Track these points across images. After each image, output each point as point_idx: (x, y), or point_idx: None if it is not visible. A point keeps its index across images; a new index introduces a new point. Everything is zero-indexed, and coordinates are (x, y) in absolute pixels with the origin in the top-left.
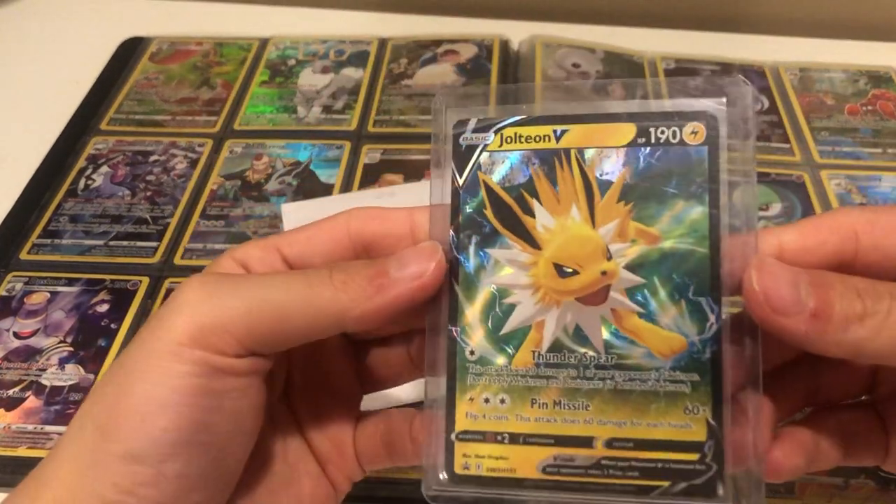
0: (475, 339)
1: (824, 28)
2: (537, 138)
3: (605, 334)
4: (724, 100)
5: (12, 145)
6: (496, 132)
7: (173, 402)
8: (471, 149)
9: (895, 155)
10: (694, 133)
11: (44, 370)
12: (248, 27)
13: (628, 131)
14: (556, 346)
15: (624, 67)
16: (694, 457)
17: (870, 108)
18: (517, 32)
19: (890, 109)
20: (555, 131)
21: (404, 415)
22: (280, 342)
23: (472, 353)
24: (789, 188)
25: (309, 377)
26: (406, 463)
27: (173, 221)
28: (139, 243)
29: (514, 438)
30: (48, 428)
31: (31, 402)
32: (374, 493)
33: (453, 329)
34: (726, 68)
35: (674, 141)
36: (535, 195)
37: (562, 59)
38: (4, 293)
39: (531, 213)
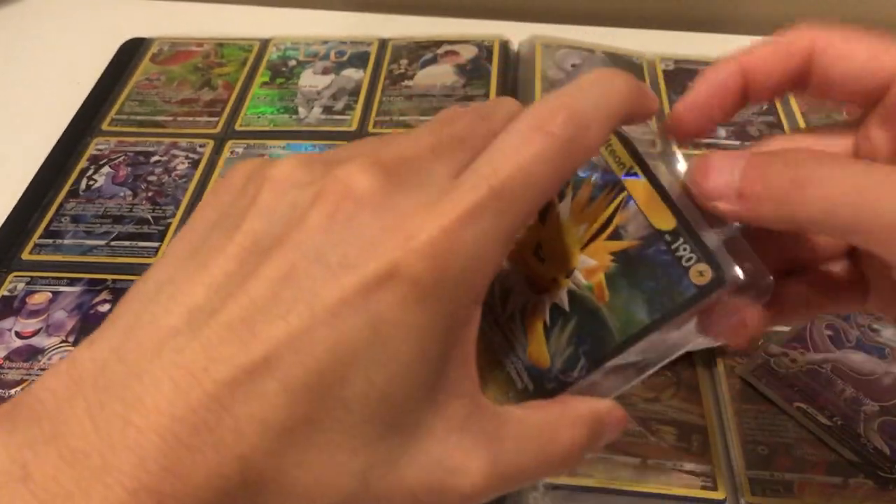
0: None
1: None
2: (618, 160)
3: (517, 311)
4: (742, 277)
5: (14, 146)
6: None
7: None
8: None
9: None
10: (700, 274)
11: (45, 370)
12: (249, 28)
13: (668, 223)
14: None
15: (623, 68)
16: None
17: None
18: (517, 33)
19: None
20: (630, 168)
21: None
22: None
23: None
24: None
25: None
26: None
27: (175, 222)
28: (141, 243)
29: None
30: None
31: None
32: None
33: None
34: None
35: (685, 264)
36: (575, 193)
37: (561, 59)
38: (6, 293)
39: (562, 197)
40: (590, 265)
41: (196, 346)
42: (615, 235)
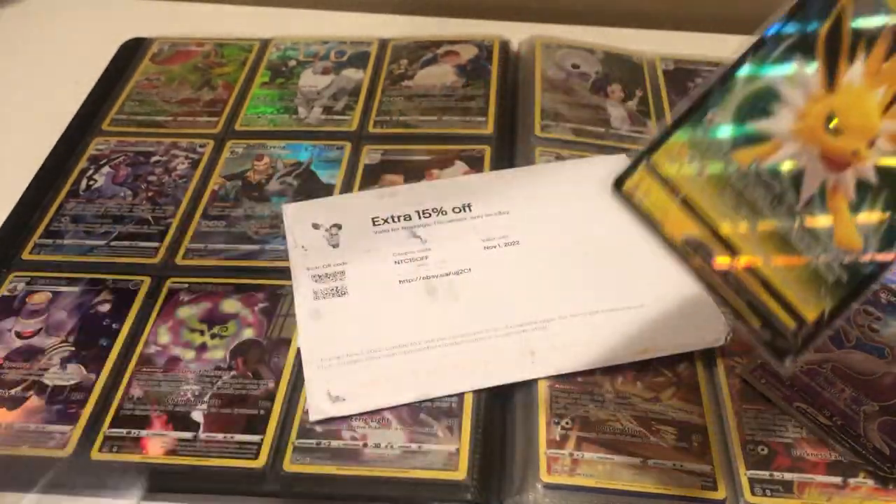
0: (725, 112)
1: None
2: None
3: (815, 195)
4: None
5: (14, 146)
6: None
7: None
8: None
9: None
10: None
11: (46, 370)
12: (249, 28)
13: None
14: (772, 169)
15: (623, 68)
16: (793, 325)
17: None
18: (517, 33)
19: None
20: None
21: None
22: None
23: (711, 119)
24: None
25: None
26: None
27: (175, 222)
28: (141, 243)
29: (685, 201)
30: (50, 428)
31: (33, 401)
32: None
33: (716, 88)
34: None
35: None
36: (869, 51)
37: (561, 59)
38: (6, 293)
39: (853, 58)
40: (891, 127)
41: None
42: None
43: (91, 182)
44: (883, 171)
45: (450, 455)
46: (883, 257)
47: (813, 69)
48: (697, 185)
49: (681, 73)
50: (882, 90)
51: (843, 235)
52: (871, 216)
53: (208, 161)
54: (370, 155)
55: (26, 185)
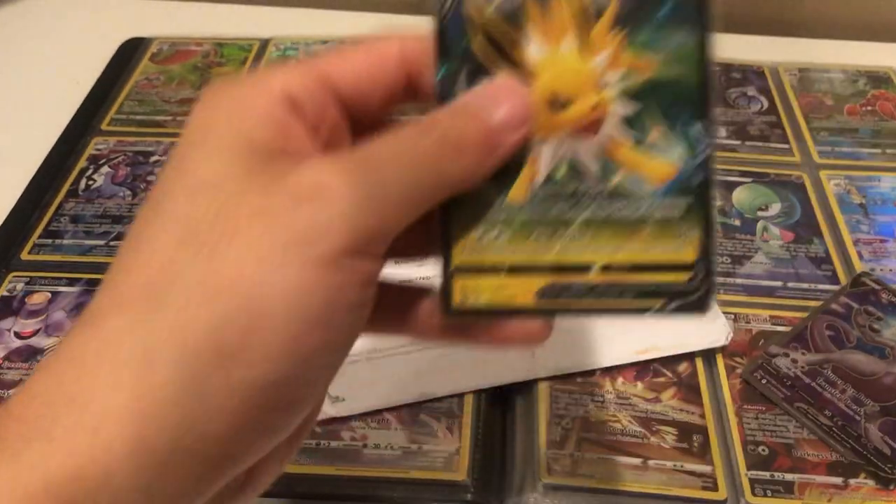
0: None
1: (824, 28)
2: None
3: (600, 164)
4: None
5: (13, 146)
6: None
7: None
8: None
9: (894, 155)
10: None
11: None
12: (249, 28)
13: None
14: (551, 179)
15: None
16: (685, 276)
17: (869, 108)
18: None
19: (889, 110)
20: None
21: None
22: (392, 235)
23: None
24: (788, 188)
25: None
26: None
27: None
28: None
29: (513, 269)
30: None
31: None
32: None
33: None
34: (725, 68)
35: None
36: (527, 23)
37: None
38: (5, 293)
39: (522, 44)
40: (607, 57)
41: None
42: (598, 9)
43: (90, 182)
44: (631, 94)
45: (450, 455)
46: (700, 158)
47: (497, 73)
48: (508, 248)
49: None
50: (567, 41)
51: (651, 173)
52: (658, 137)
53: None
54: None
55: (25, 185)
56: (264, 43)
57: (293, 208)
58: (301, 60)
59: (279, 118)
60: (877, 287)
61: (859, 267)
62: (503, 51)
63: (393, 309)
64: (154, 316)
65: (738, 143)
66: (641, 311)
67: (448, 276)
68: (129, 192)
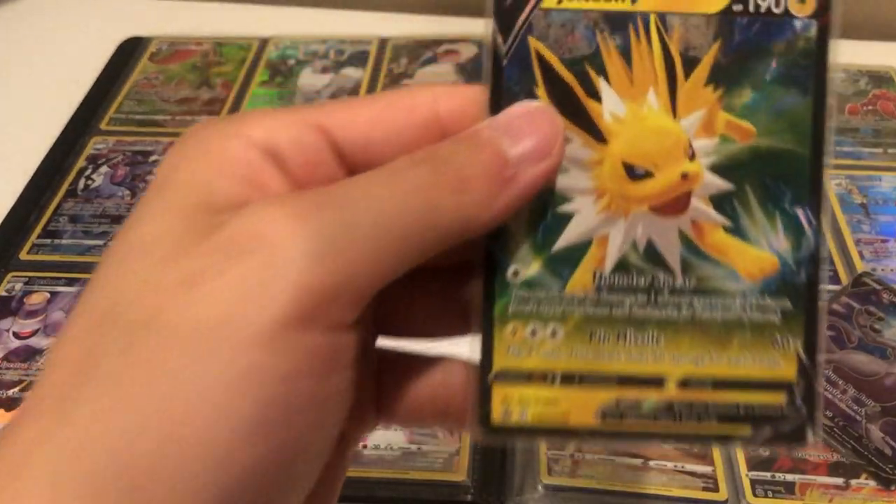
0: (520, 256)
1: None
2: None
3: (684, 252)
4: None
5: (12, 145)
6: None
7: (257, 423)
8: (518, 4)
9: None
10: (802, 2)
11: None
12: (248, 27)
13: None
14: (622, 266)
15: None
16: (781, 398)
17: (870, 108)
18: None
19: (890, 109)
20: None
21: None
22: (382, 285)
23: (515, 273)
24: None
25: None
26: (458, 425)
27: None
28: None
29: (568, 378)
30: None
31: None
32: (375, 494)
33: (492, 245)
34: None
35: (777, 10)
36: (603, 73)
37: None
38: (4, 293)
39: (597, 97)
40: (700, 119)
41: None
42: (690, 63)
43: (89, 182)
44: (726, 167)
45: (450, 456)
46: (805, 253)
47: (565, 138)
48: (564, 351)
49: None
50: (651, 97)
51: (748, 265)
52: (754, 223)
53: None
54: None
55: (24, 184)
56: (264, 42)
57: (223, 270)
58: (297, 108)
59: (252, 168)
60: (878, 287)
61: (860, 267)
62: (574, 103)
63: (388, 394)
64: (63, 429)
65: None
66: (725, 439)
67: (487, 382)
68: (128, 192)
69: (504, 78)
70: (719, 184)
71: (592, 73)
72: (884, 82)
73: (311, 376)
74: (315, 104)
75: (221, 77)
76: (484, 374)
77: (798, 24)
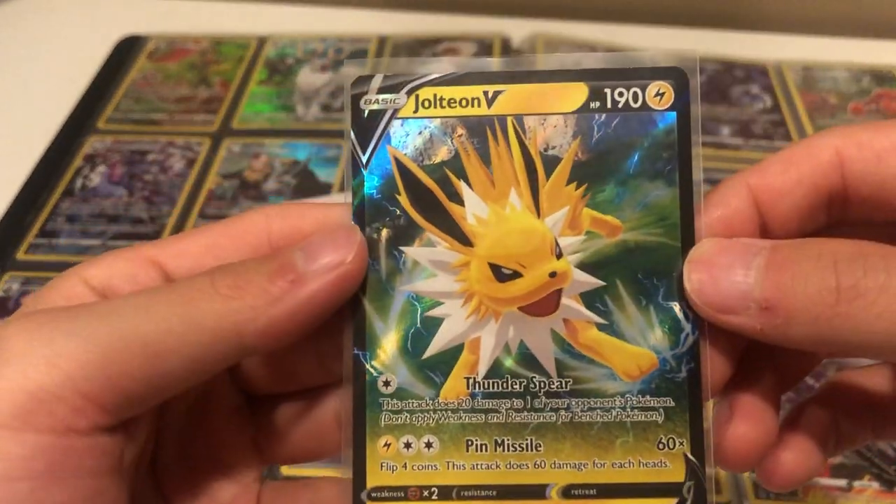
0: (390, 365)
1: (828, 26)
2: (463, 102)
3: (558, 352)
4: (696, 56)
5: (8, 144)
6: (409, 93)
7: None
8: (376, 115)
9: None
10: (660, 95)
11: None
12: (247, 25)
13: (578, 93)
14: (496, 370)
15: (624, 66)
16: (672, 503)
17: (873, 106)
18: (518, 30)
19: (893, 108)
20: (486, 93)
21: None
22: (155, 393)
23: (386, 383)
24: None
25: (187, 443)
26: None
27: (171, 221)
28: (137, 243)
29: (446, 493)
30: None
31: None
32: None
33: (360, 354)
34: (729, 66)
35: (635, 105)
36: (464, 176)
37: None
38: (1, 293)
39: (459, 200)
40: (564, 216)
41: None
42: (550, 162)
43: (86, 181)
44: (595, 264)
45: None
46: (684, 349)
47: (429, 243)
48: (440, 464)
49: None
50: (514, 198)
51: (626, 364)
52: (630, 318)
53: (205, 160)
54: None
55: (21, 184)
56: (262, 41)
57: None
58: (135, 247)
59: (78, 300)
60: None
61: None
62: (436, 208)
63: None
64: None
65: (741, 141)
66: None
67: (360, 500)
68: (125, 192)
69: (364, 186)
70: (589, 281)
71: (453, 178)
72: (886, 81)
73: (30, 479)
74: (152, 241)
75: (219, 76)
76: (357, 493)
77: (657, 116)
